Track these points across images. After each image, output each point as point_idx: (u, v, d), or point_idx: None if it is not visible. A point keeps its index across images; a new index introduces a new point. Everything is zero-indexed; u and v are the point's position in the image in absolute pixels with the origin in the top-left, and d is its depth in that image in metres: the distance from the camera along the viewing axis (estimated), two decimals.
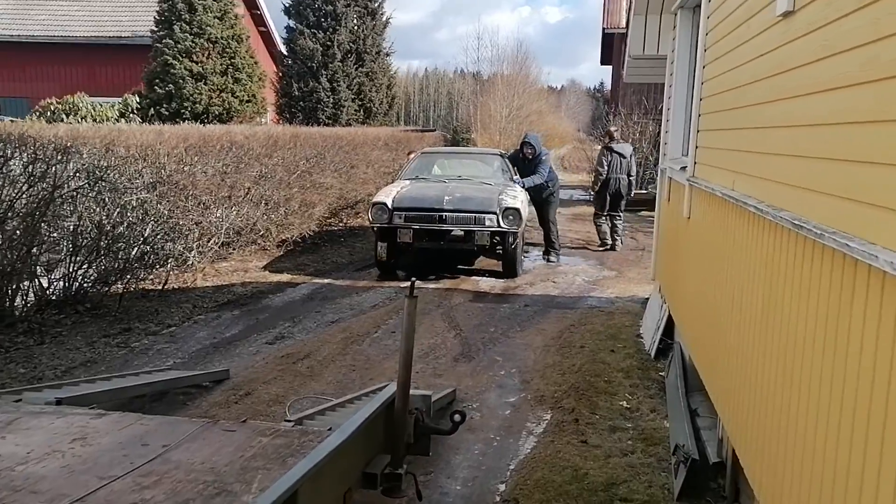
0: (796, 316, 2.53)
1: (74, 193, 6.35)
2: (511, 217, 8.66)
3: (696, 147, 4.93)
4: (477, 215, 8.69)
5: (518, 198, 9.11)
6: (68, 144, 6.13)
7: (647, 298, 8.05)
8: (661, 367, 5.70)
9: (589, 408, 4.83)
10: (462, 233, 8.77)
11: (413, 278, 3.21)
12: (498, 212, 8.67)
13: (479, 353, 6.17)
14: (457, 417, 3.32)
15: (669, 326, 5.94)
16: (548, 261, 10.59)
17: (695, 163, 4.95)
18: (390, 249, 9.03)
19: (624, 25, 20.26)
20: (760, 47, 3.20)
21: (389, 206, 8.82)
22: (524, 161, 10.55)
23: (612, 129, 12.84)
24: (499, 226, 8.67)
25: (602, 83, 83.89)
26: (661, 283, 6.65)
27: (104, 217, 7.21)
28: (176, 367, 5.67)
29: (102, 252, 7.20)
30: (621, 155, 11.45)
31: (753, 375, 3.08)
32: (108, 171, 6.69)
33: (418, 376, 5.58)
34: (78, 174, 6.40)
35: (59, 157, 5.89)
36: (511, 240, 8.77)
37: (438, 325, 7.00)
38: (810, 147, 2.46)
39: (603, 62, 28.94)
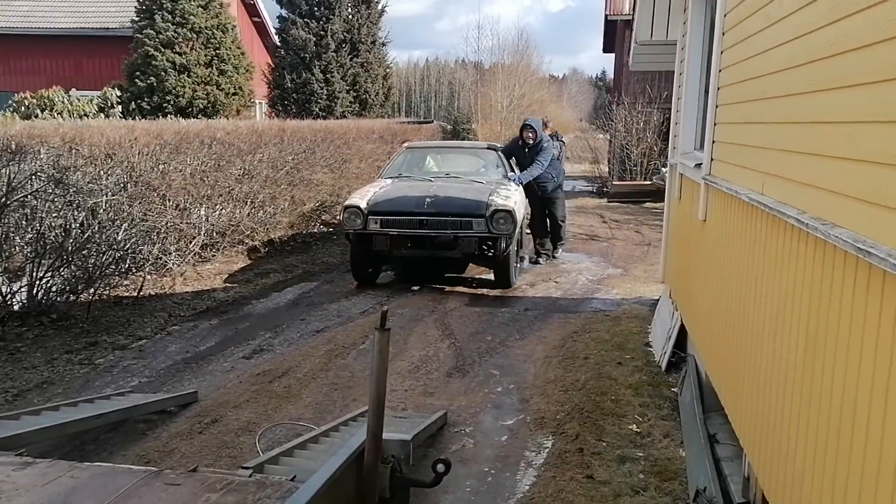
0: (857, 356, 2.02)
1: (30, 197, 5.82)
2: (502, 220, 7.61)
3: (713, 142, 4.40)
4: (463, 219, 7.67)
5: (511, 197, 8.09)
6: (23, 144, 5.60)
7: (656, 300, 7.54)
8: (673, 381, 5.19)
9: (595, 433, 4.32)
10: (446, 238, 7.74)
11: (385, 308, 2.70)
12: (487, 214, 7.64)
13: (475, 366, 5.67)
14: (440, 468, 2.81)
15: (682, 336, 5.43)
16: (551, 256, 9.91)
17: (711, 160, 4.42)
18: (367, 258, 8.16)
19: (628, 11, 19.68)
20: (800, 26, 2.66)
21: (363, 210, 7.80)
22: (524, 149, 9.53)
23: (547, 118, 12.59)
24: (488, 230, 7.61)
25: (604, 72, 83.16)
26: (671, 286, 6.13)
27: (71, 221, 6.70)
28: (140, 388, 5.17)
29: (68, 258, 6.69)
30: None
31: (794, 415, 2.57)
32: (70, 173, 6.16)
33: (407, 395, 5.08)
34: (36, 176, 5.88)
35: (7, 159, 5.36)
36: (503, 245, 7.69)
37: (431, 334, 6.50)
38: (876, 149, 1.93)
39: (605, 50, 28.27)
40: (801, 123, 2.63)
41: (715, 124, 4.40)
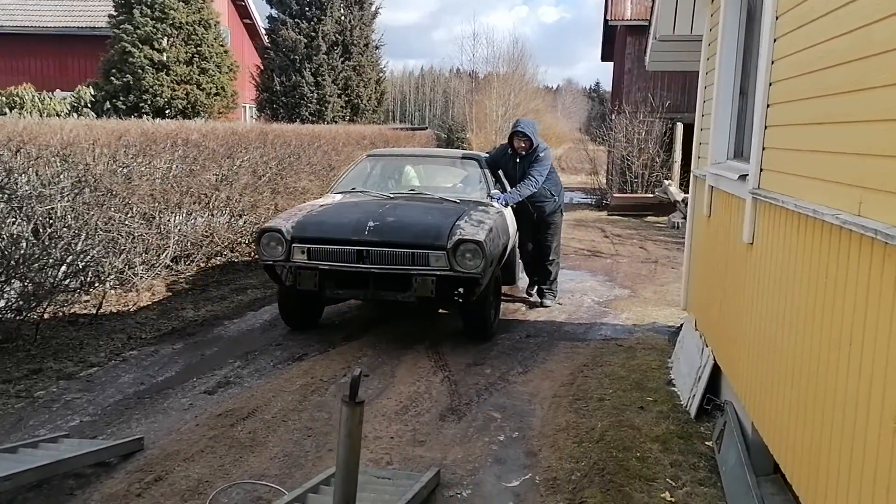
0: None
1: None
2: (469, 255, 5.66)
3: (764, 149, 3.66)
4: (416, 251, 5.73)
5: (485, 225, 6.01)
6: None
7: (671, 327, 6.80)
8: (706, 433, 4.42)
9: None
10: (395, 277, 5.83)
11: (358, 371, 1.95)
12: (449, 246, 5.67)
13: (472, 407, 4.90)
14: None
15: (714, 376, 4.67)
16: (541, 303, 7.72)
17: (760, 170, 3.68)
18: (300, 297, 6.30)
19: (630, 16, 19.03)
20: None
21: (285, 236, 5.92)
22: (515, 160, 7.40)
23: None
24: (451, 268, 5.69)
25: (598, 83, 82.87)
26: (697, 317, 5.37)
27: (20, 229, 5.93)
28: (81, 430, 4.38)
29: (16, 270, 5.91)
30: None
31: None
32: (15, 176, 5.38)
33: (393, 443, 4.31)
34: None
35: None
36: (472, 289, 5.85)
37: (423, 365, 5.73)
38: None
39: (604, 59, 27.56)
40: None
41: (766, 127, 3.66)
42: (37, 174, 5.87)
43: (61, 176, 5.85)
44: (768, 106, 3.65)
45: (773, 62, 3.63)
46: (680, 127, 17.40)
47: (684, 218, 15.11)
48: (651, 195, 17.30)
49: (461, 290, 5.91)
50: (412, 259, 5.75)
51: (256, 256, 8.82)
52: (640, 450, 4.13)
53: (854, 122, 2.52)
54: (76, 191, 6.03)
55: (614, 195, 18.10)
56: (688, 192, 16.36)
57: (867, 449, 2.23)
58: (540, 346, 6.33)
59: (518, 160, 7.39)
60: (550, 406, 4.93)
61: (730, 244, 4.27)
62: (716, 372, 4.65)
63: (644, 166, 18.01)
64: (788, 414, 3.03)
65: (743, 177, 3.89)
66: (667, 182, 16.91)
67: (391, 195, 7.01)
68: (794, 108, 3.27)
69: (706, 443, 4.27)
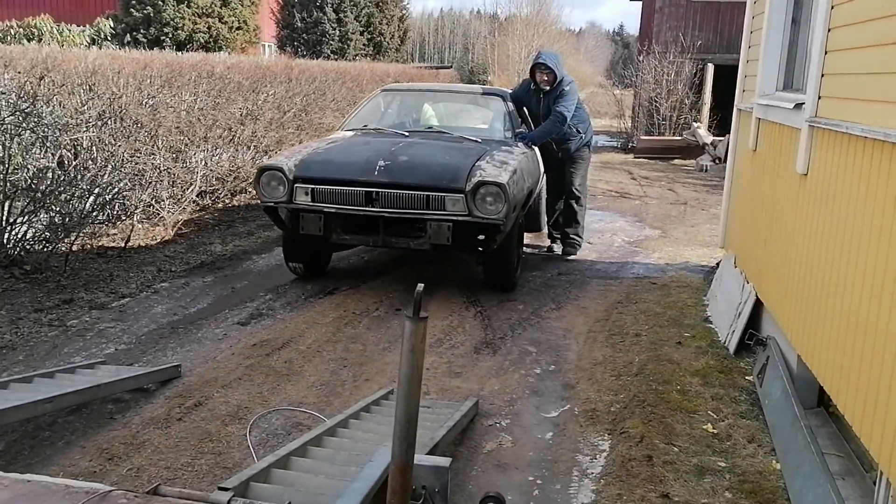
0: None
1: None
2: (490, 199, 5.12)
3: (823, 75, 3.49)
4: (431, 193, 5.21)
5: (509, 166, 5.50)
6: None
7: (705, 268, 6.71)
8: (745, 367, 4.36)
9: (663, 435, 3.50)
10: (406, 222, 5.38)
11: (421, 286, 1.87)
12: (468, 189, 5.14)
13: (506, 341, 4.86)
14: None
15: (754, 312, 4.58)
16: (564, 252, 7.19)
17: (819, 97, 3.52)
18: (306, 243, 5.87)
19: None
20: None
21: (287, 175, 5.39)
22: (539, 96, 6.82)
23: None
24: (469, 212, 5.16)
25: (622, 26, 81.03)
26: (738, 254, 5.25)
27: (47, 159, 5.88)
28: (116, 358, 4.39)
29: (43, 201, 5.88)
30: None
31: None
32: (40, 105, 5.29)
33: (430, 374, 4.28)
34: None
35: None
36: (493, 236, 5.30)
37: (455, 301, 5.67)
38: None
39: None
40: None
41: (826, 52, 3.49)
42: (60, 105, 5.77)
43: (87, 105, 5.75)
44: (829, 31, 3.47)
45: None
46: (710, 68, 16.95)
47: (713, 160, 14.89)
48: (679, 138, 16.97)
49: (481, 237, 5.35)
50: (427, 202, 5.22)
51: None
52: (680, 383, 4.08)
53: None
54: (102, 122, 5.93)
55: (641, 138, 17.76)
56: (717, 136, 16.06)
57: None
58: (572, 283, 6.25)
59: (542, 96, 6.79)
60: (586, 341, 4.87)
61: (779, 176, 4.12)
62: (756, 308, 4.56)
63: (672, 108, 17.61)
64: (843, 346, 2.94)
65: (798, 105, 3.72)
66: (696, 124, 16.57)
67: (406, 133, 6.40)
68: (860, 30, 3.09)
69: (746, 377, 4.20)
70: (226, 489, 2.24)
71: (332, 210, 5.35)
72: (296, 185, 5.41)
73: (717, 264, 6.25)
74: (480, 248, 5.44)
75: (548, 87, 6.72)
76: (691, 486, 3.09)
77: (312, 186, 5.39)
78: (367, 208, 5.30)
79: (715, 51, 17.50)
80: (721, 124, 17.57)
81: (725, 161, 15.08)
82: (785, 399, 3.46)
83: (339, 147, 5.93)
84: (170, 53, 8.36)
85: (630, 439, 3.47)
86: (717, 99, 17.31)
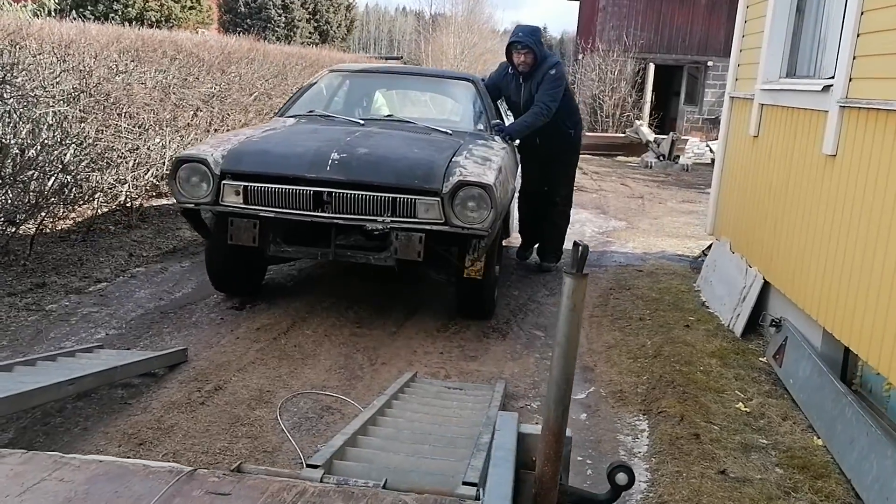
0: None
1: None
2: (473, 204, 4.05)
3: (855, 57, 3.55)
4: (398, 196, 4.07)
5: (492, 163, 4.40)
6: None
7: (685, 257, 6.81)
8: (755, 349, 4.42)
9: (701, 414, 3.50)
10: (367, 230, 4.24)
11: (585, 243, 1.79)
12: (445, 190, 4.05)
13: (512, 326, 4.79)
14: (620, 478, 1.94)
15: (760, 296, 4.65)
16: (542, 265, 6.27)
17: (850, 79, 3.57)
18: (235, 254, 4.62)
19: None
20: None
21: (212, 168, 4.17)
22: (518, 81, 5.74)
23: None
24: (446, 220, 4.07)
25: (545, 27, 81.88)
26: (734, 240, 5.32)
27: (9, 136, 5.47)
28: (110, 343, 4.11)
29: (6, 181, 5.48)
30: None
31: None
32: (14, 72, 4.91)
33: (444, 358, 4.19)
34: None
35: None
36: (477, 247, 4.24)
37: (444, 286, 5.53)
38: None
39: None
40: None
41: (859, 35, 3.55)
42: (31, 78, 5.39)
43: (58, 78, 5.37)
44: (862, 13, 3.54)
45: None
46: (651, 67, 17.32)
47: (657, 158, 15.23)
48: (622, 135, 17.29)
49: (463, 250, 4.31)
50: (392, 207, 4.07)
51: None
52: (701, 364, 4.09)
53: None
54: (73, 96, 5.57)
55: (585, 134, 17.99)
56: (658, 133, 16.37)
57: None
58: (559, 270, 6.23)
59: (521, 81, 5.71)
60: (591, 325, 4.85)
61: (796, 159, 4.18)
62: (762, 291, 4.63)
63: (615, 106, 17.94)
64: (883, 316, 2.99)
65: (826, 88, 3.78)
66: (638, 122, 16.90)
67: (362, 122, 5.21)
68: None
69: (760, 359, 4.25)
70: (315, 466, 2.10)
71: (271, 214, 4.16)
72: (223, 181, 4.19)
73: (704, 252, 6.35)
74: (459, 262, 4.39)
75: (527, 69, 5.63)
76: (742, 462, 3.09)
77: (245, 184, 4.17)
78: (315, 213, 4.11)
79: (656, 50, 17.91)
80: (660, 123, 18.01)
81: (669, 158, 15.42)
82: (819, 377, 3.50)
83: (279, 135, 4.69)
84: (136, 29, 7.92)
85: (670, 419, 3.44)
86: (658, 98, 17.75)
